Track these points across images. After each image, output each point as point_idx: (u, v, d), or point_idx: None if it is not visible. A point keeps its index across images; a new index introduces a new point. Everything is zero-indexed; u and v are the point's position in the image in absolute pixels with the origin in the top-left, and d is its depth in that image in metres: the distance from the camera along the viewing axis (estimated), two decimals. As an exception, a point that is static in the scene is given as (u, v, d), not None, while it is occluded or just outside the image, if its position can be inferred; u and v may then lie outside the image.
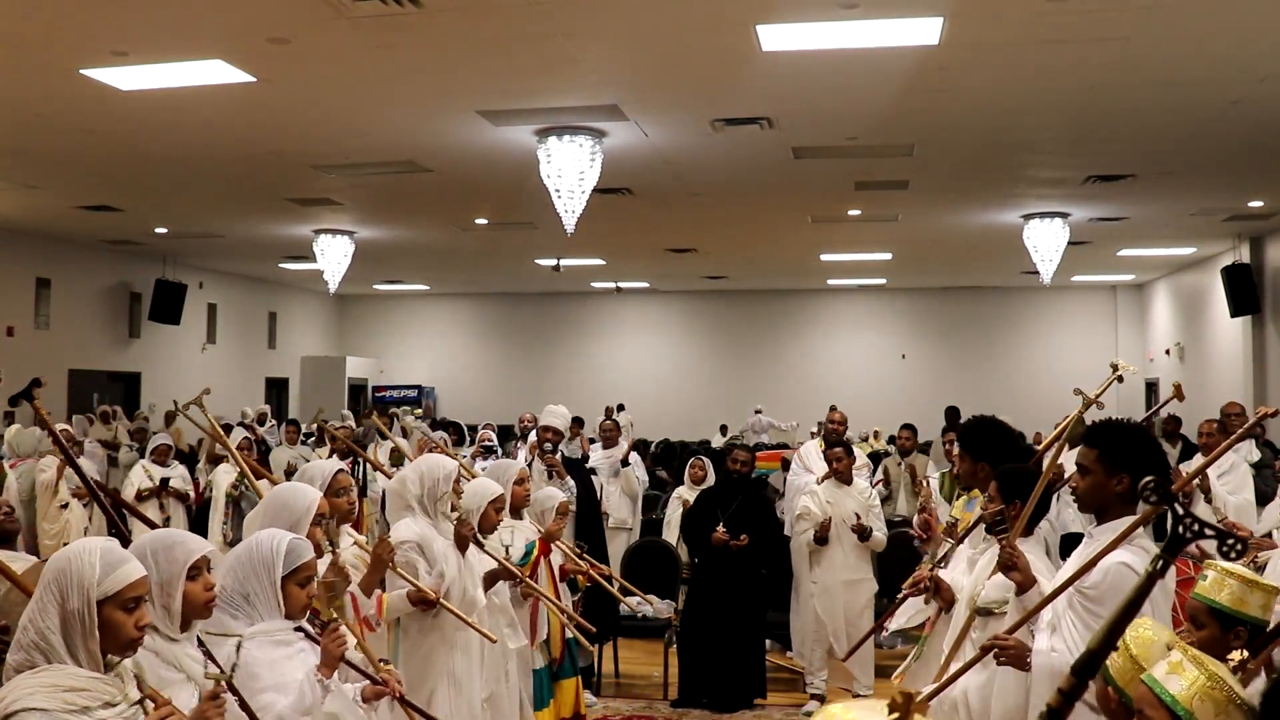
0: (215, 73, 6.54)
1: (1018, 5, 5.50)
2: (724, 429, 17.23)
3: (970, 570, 3.79)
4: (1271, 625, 2.48)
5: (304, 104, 7.35)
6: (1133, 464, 2.82)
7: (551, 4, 5.49)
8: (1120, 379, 4.15)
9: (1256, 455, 6.95)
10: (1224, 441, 6.24)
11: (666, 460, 16.38)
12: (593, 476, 7.66)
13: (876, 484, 8.57)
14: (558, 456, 6.50)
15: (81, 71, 6.56)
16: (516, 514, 4.70)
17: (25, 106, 7.41)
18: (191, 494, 8.38)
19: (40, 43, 6.12)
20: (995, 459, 3.93)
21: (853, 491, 6.28)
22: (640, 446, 16.93)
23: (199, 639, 2.48)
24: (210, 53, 6.26)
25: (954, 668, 3.32)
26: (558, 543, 4.85)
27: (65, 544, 7.70)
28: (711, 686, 6.16)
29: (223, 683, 2.32)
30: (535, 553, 4.46)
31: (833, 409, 7.19)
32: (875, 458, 10.93)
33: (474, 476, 4.86)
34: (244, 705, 2.41)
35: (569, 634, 4.73)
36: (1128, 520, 2.77)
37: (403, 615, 3.83)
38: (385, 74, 6.67)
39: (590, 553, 6.38)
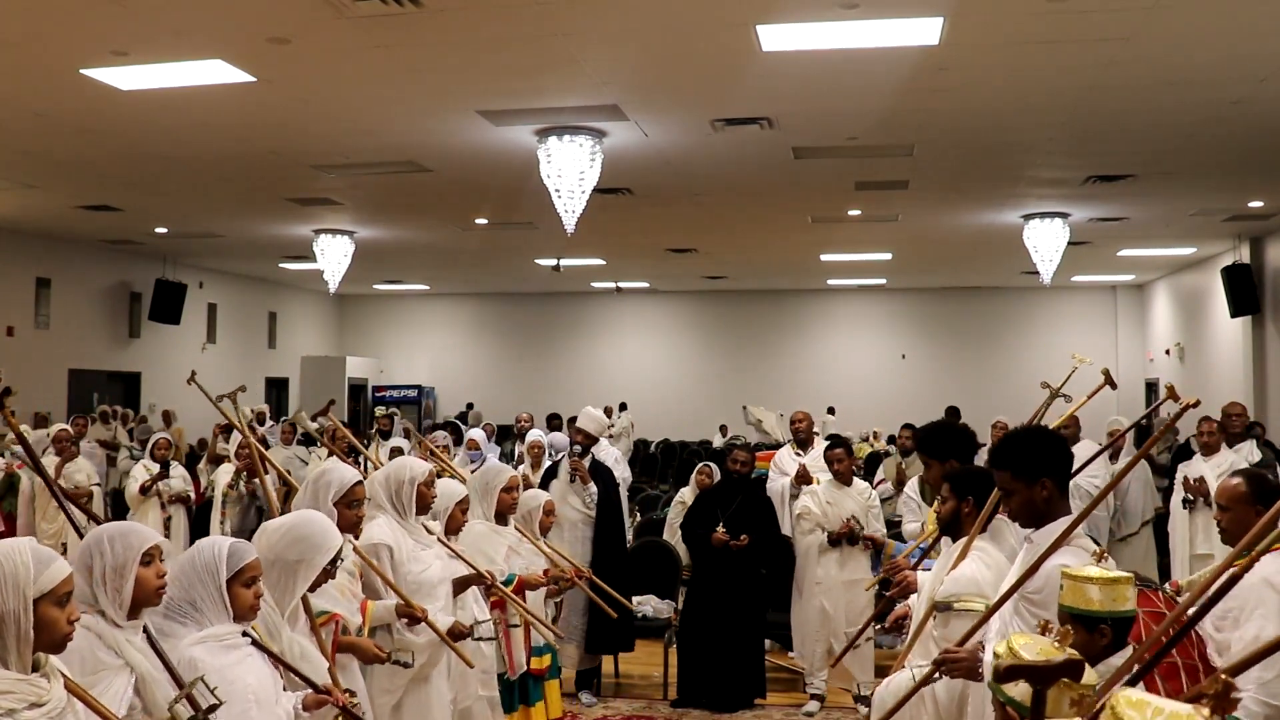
0: (215, 73, 6.54)
1: (1018, 5, 5.50)
2: (724, 429, 17.22)
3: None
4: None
5: (304, 104, 7.35)
6: (1047, 466, 2.85)
7: (551, 4, 5.49)
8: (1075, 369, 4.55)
9: (1257, 455, 6.95)
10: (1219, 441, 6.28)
11: (667, 460, 16.41)
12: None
13: (879, 483, 8.57)
14: (586, 461, 6.46)
15: (81, 71, 6.56)
16: (503, 520, 4.68)
17: (25, 106, 7.41)
18: (192, 493, 8.38)
19: (40, 43, 6.12)
20: (962, 458, 4.00)
21: (852, 492, 6.28)
22: (640, 446, 17.01)
23: (147, 629, 2.49)
24: (210, 53, 6.26)
25: (911, 658, 3.38)
26: (544, 548, 4.85)
27: (64, 544, 7.72)
28: (711, 687, 6.16)
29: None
30: (513, 585, 4.44)
31: (829, 412, 7.20)
32: (875, 458, 10.95)
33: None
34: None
35: (542, 640, 4.74)
36: (1065, 522, 2.78)
37: (384, 624, 3.82)
38: (385, 74, 6.67)
39: (610, 557, 6.37)
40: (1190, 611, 2.54)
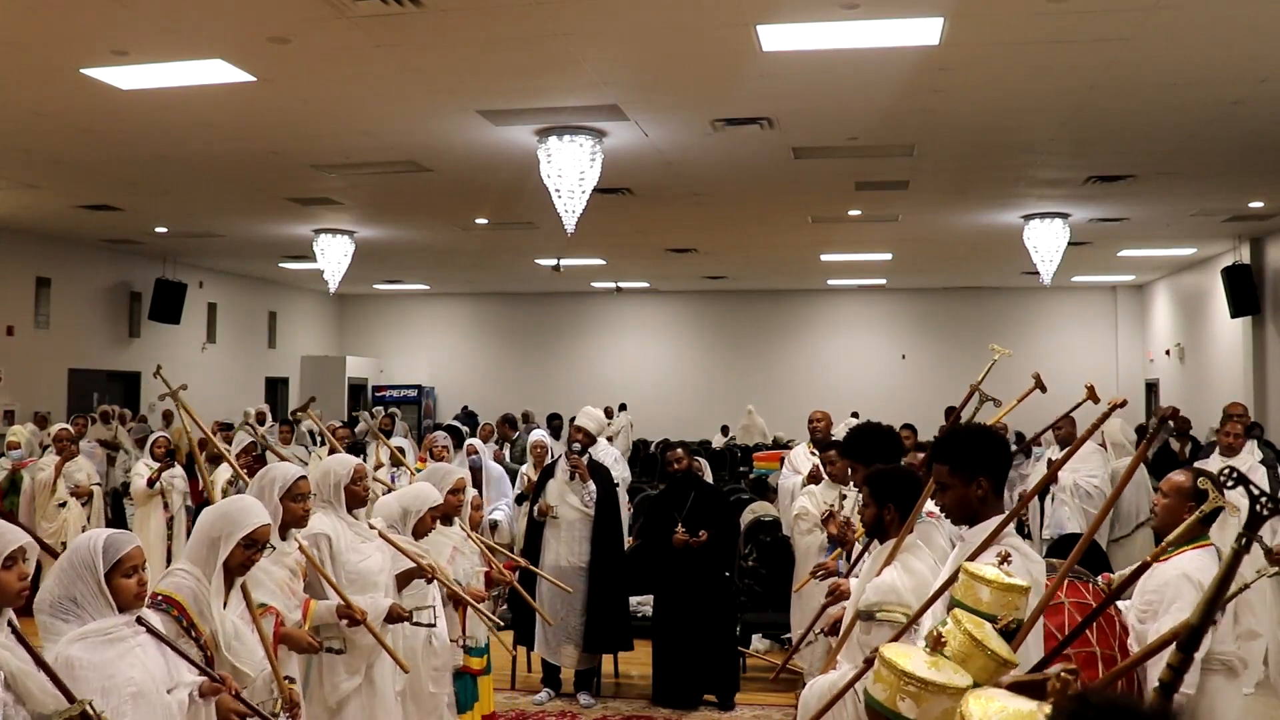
0: (215, 72, 6.54)
1: (1018, 5, 5.51)
2: (724, 429, 17.21)
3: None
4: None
5: (304, 104, 7.35)
6: (986, 465, 2.85)
7: (551, 4, 5.50)
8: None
9: (1259, 455, 6.94)
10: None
11: (666, 460, 16.35)
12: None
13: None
14: (585, 459, 6.49)
15: (81, 71, 6.56)
16: (448, 521, 4.73)
17: (25, 106, 7.41)
18: (189, 492, 8.38)
19: (40, 43, 6.12)
20: (887, 460, 4.06)
21: (850, 492, 6.28)
22: (640, 446, 17.01)
23: (11, 624, 2.48)
24: (210, 52, 6.26)
25: (840, 663, 3.39)
26: (477, 541, 4.91)
27: (64, 543, 7.74)
28: (687, 685, 6.19)
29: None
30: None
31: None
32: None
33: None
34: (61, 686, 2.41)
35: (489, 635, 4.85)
36: (996, 521, 2.79)
37: (325, 623, 3.85)
38: (385, 74, 6.67)
39: (608, 557, 6.39)
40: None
